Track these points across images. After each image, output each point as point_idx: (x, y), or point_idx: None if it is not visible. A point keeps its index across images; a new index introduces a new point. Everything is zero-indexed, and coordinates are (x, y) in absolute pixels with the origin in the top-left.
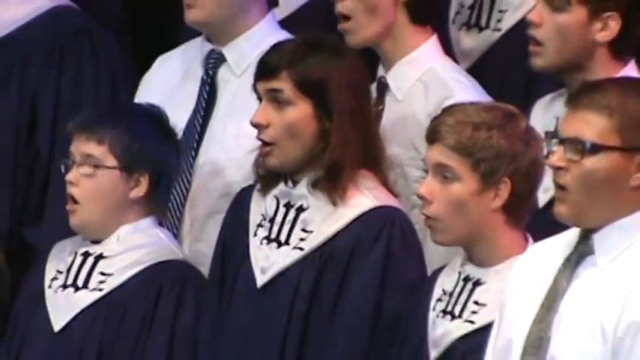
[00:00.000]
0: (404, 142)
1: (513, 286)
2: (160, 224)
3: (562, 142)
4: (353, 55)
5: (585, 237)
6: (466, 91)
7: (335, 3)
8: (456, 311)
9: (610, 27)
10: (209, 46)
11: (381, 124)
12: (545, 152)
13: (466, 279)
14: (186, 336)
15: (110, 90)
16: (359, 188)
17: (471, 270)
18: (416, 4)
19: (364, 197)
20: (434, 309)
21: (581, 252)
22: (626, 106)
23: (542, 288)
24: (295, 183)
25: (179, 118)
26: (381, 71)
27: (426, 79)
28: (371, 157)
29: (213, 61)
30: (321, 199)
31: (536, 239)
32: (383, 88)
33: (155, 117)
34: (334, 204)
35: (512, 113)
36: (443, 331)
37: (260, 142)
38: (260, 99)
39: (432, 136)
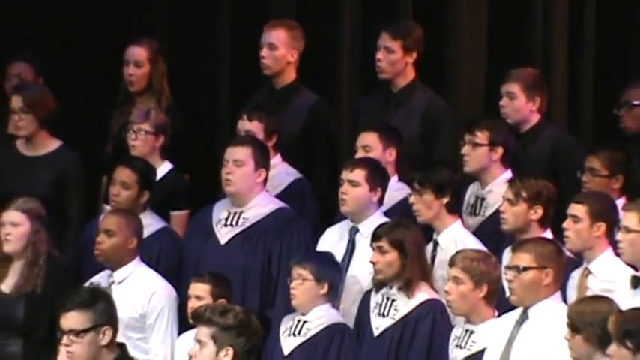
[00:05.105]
0: (446, 268)
1: (494, 335)
2: (333, 306)
3: (511, 268)
4: (417, 228)
5: (524, 311)
6: (474, 245)
7: (412, 205)
8: (462, 345)
9: (537, 212)
10: (351, 224)
11: (436, 261)
12: (504, 272)
13: (467, 330)
14: (343, 355)
15: (304, 248)
16: (420, 289)
17: (470, 326)
18: (451, 205)
19: (423, 294)
20: (451, 344)
21: (523, 318)
22: (538, 250)
23: (506, 335)
24: (391, 287)
25: (338, 256)
26: (435, 235)
27: (456, 239)
28: (425, 275)
29: (354, 231)
30: (403, 295)
31: (500, 312)
32: (435, 244)
33: (329, 257)
34: (409, 297)
35: (490, 254)
36: (456, 355)
37: (374, 269)
38: (373, 250)
39: (451, 263)
